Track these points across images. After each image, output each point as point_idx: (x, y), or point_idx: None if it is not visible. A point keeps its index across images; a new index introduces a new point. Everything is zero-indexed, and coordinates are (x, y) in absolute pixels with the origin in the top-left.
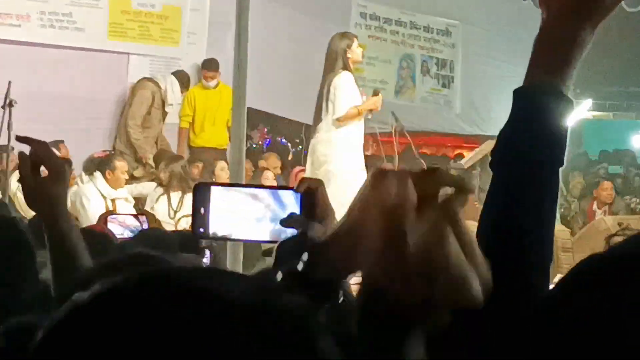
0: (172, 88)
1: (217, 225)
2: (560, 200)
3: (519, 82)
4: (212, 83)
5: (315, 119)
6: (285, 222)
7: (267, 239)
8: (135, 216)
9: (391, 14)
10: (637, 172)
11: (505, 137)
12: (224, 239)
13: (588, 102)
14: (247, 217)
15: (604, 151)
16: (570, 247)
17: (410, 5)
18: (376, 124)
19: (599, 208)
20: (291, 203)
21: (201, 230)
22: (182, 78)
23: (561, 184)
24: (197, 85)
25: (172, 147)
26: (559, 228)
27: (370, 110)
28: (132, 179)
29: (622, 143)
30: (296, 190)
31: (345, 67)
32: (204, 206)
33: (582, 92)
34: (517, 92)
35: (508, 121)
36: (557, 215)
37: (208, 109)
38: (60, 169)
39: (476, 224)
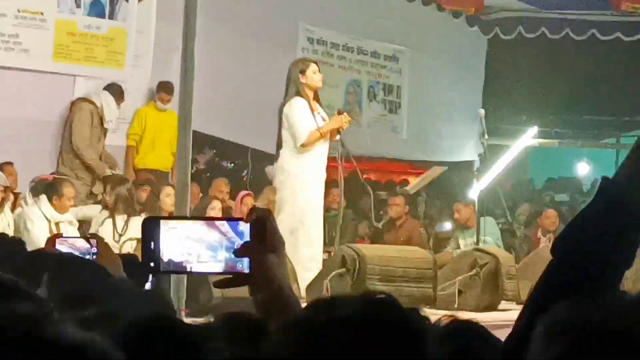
0: (107, 104)
1: (168, 255)
2: (505, 227)
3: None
4: (168, 106)
5: (277, 146)
6: (239, 252)
7: (222, 269)
8: (86, 239)
9: (338, 39)
10: (582, 199)
11: (582, 229)
12: (177, 272)
13: (534, 130)
14: (199, 249)
15: (550, 179)
16: (514, 273)
17: (357, 30)
18: None
19: (543, 235)
20: (243, 233)
21: (152, 264)
22: (115, 91)
23: (506, 211)
24: (149, 105)
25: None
26: (503, 255)
27: (338, 131)
28: (91, 196)
29: (568, 171)
30: (245, 221)
31: (298, 94)
32: (154, 240)
33: (528, 119)
34: (605, 184)
35: (589, 210)
36: (501, 244)
37: (158, 131)
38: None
39: (421, 249)
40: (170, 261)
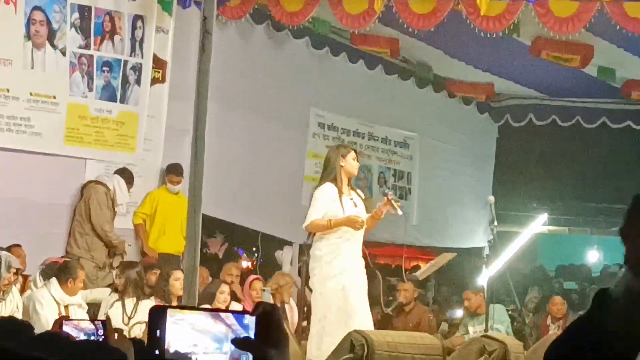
0: (120, 188)
1: (174, 345)
2: (514, 314)
3: (474, 194)
4: (178, 187)
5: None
6: (237, 344)
7: None
8: (91, 321)
9: (349, 124)
10: (591, 287)
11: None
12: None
13: (544, 217)
14: (205, 337)
15: (560, 266)
16: None
17: (368, 116)
18: None
19: (552, 322)
20: (248, 326)
21: (156, 352)
22: (127, 175)
23: (515, 297)
24: (161, 188)
25: None
26: (512, 342)
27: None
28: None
29: (577, 258)
30: (251, 314)
31: (333, 179)
32: (160, 328)
33: (538, 206)
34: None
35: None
36: (511, 332)
37: (169, 214)
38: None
39: (429, 335)
40: (176, 351)
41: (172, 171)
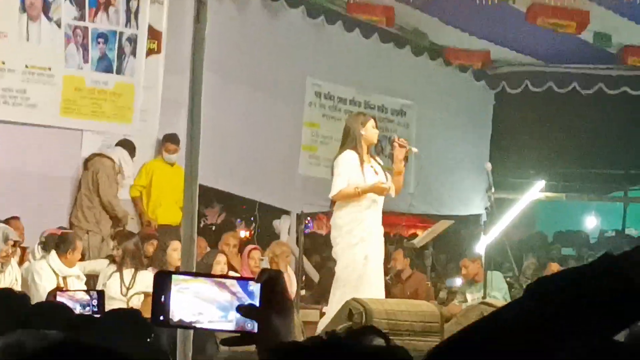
0: (124, 160)
1: (179, 314)
2: (511, 281)
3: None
4: (174, 157)
5: (331, 201)
6: (243, 312)
7: (232, 328)
8: (86, 291)
9: (346, 93)
10: (590, 252)
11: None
12: (186, 327)
13: (541, 183)
14: (210, 306)
15: (558, 232)
16: None
17: (364, 85)
18: (330, 203)
19: None
20: (253, 293)
21: (161, 318)
22: (129, 147)
23: (513, 264)
24: (156, 159)
25: None
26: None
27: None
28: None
29: (575, 224)
30: (256, 281)
31: (354, 147)
32: (165, 294)
33: (535, 172)
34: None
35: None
36: (509, 298)
37: (165, 186)
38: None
39: (427, 303)
40: (180, 320)
41: (169, 139)
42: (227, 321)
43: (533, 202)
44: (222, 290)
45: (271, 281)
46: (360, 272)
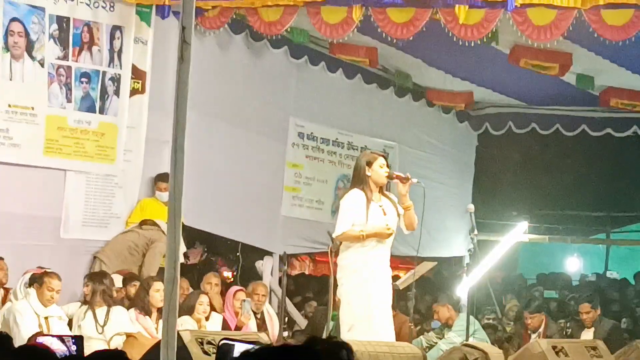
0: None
1: None
2: (494, 323)
3: (454, 202)
4: (165, 195)
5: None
6: None
7: None
8: (60, 338)
9: (329, 134)
10: (572, 295)
11: None
12: None
13: (524, 225)
14: None
15: (540, 274)
16: None
17: (347, 126)
18: (313, 244)
19: (533, 332)
20: None
21: None
22: None
23: (496, 306)
24: (152, 198)
25: None
26: (492, 350)
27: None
28: None
29: (557, 266)
30: None
31: (361, 186)
32: None
33: (518, 214)
34: None
35: None
36: (488, 338)
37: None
38: None
39: (410, 345)
40: None
41: (162, 179)
42: None
43: (516, 244)
44: None
45: None
46: (367, 311)
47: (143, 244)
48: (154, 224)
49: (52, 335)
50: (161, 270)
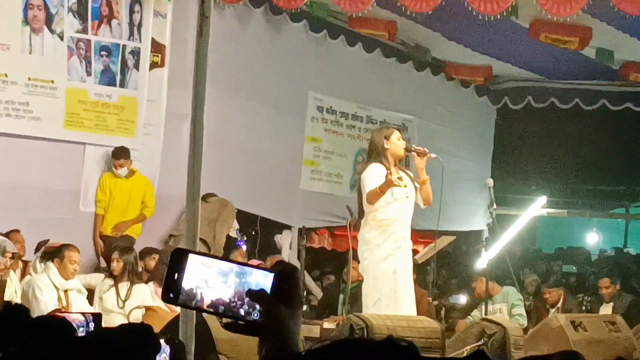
0: None
1: (188, 294)
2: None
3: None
4: (121, 171)
5: (358, 215)
6: (252, 296)
7: (238, 315)
8: (82, 313)
9: (348, 108)
10: (591, 270)
11: None
12: (192, 308)
13: (543, 199)
14: (220, 290)
15: (559, 249)
16: (522, 344)
17: (366, 100)
18: (331, 218)
19: (551, 307)
20: (267, 282)
21: (171, 295)
22: None
23: (515, 281)
24: (108, 173)
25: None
26: (511, 325)
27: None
28: None
29: (576, 240)
30: (270, 271)
31: (379, 160)
32: (178, 273)
33: (537, 189)
34: None
35: None
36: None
37: (123, 198)
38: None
39: (429, 319)
40: (188, 300)
41: (115, 155)
42: (234, 307)
43: (535, 218)
44: (235, 276)
45: (285, 274)
46: (392, 285)
47: (215, 216)
48: (214, 195)
49: (72, 312)
50: (132, 240)
